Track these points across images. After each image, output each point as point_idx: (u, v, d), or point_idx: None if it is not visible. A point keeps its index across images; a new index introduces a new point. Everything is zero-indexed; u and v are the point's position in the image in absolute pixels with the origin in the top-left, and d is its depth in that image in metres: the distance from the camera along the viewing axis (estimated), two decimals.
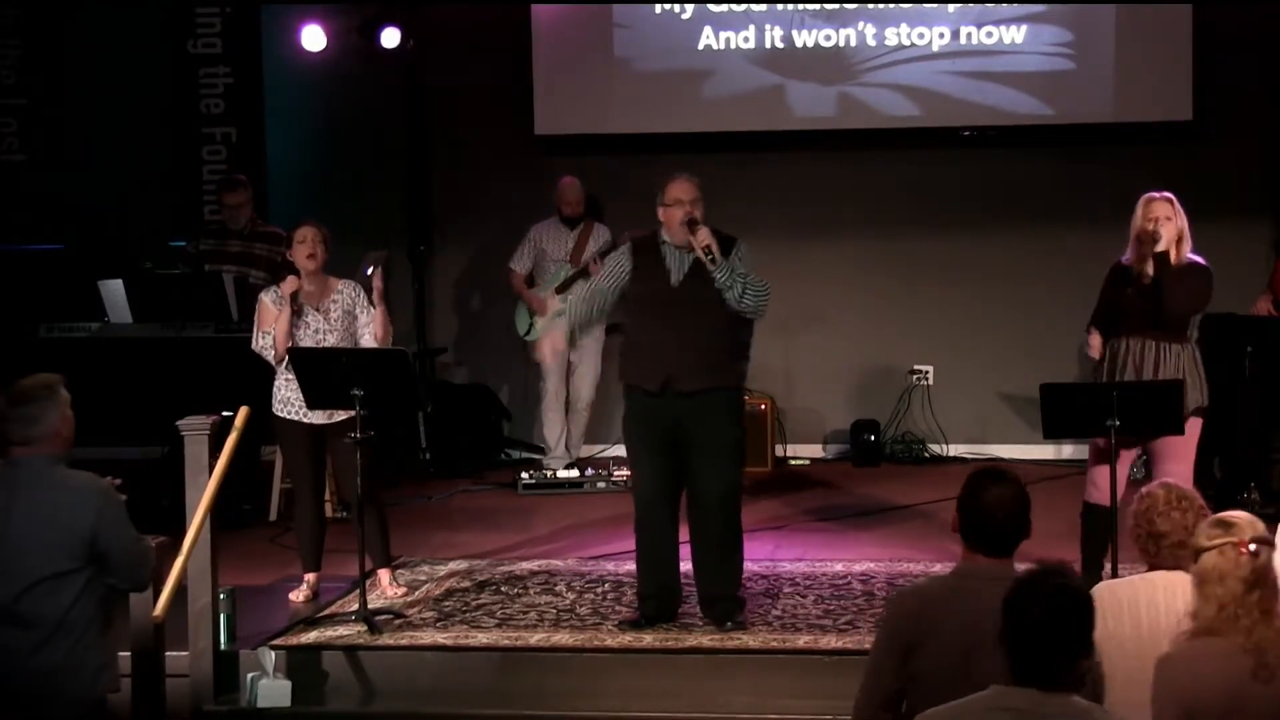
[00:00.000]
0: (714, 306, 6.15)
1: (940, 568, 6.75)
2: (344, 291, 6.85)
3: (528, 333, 9.45)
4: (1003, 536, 4.00)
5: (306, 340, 6.72)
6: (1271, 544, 3.85)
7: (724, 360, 6.23)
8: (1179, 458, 6.31)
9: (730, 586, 6.29)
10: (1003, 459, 9.67)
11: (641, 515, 6.34)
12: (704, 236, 6.11)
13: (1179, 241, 6.34)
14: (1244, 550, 3.78)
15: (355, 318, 6.82)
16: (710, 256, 6.09)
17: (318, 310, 6.78)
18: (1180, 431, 6.23)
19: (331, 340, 6.75)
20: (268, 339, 6.70)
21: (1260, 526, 3.88)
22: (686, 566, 6.45)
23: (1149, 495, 4.33)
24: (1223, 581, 3.78)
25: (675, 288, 6.22)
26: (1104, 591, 4.16)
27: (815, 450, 10.11)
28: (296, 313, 6.71)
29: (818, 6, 9.83)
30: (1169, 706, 3.74)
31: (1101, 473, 6.32)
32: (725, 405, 6.23)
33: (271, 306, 6.74)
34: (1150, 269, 6.28)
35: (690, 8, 9.90)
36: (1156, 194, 6.40)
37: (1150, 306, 6.28)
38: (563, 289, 9.28)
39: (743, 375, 6.36)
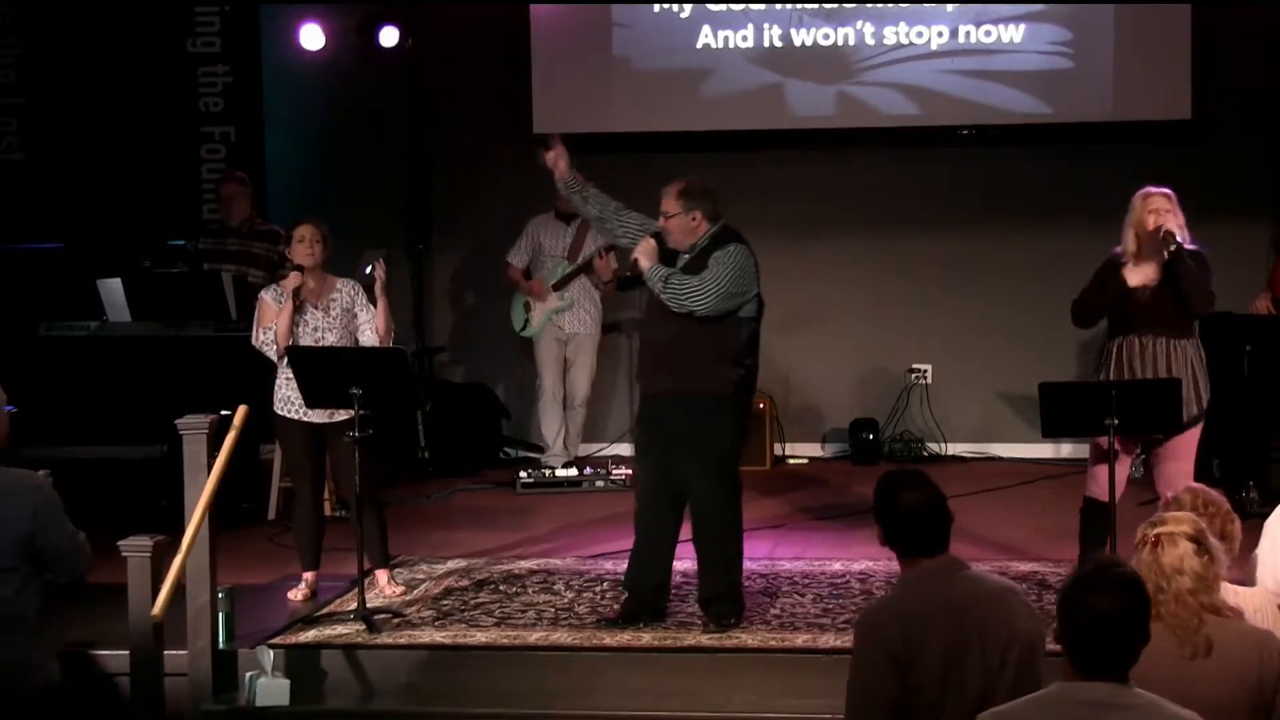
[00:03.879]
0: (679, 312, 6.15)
1: None
2: (343, 290, 6.84)
3: (523, 328, 9.44)
4: (936, 534, 4.03)
5: (306, 338, 6.72)
6: (1192, 537, 3.92)
7: (698, 364, 6.10)
8: (1181, 456, 6.31)
9: (708, 590, 6.24)
10: (1001, 458, 9.72)
11: (636, 514, 6.37)
12: (637, 250, 6.23)
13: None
14: (1144, 543, 3.93)
15: (354, 315, 6.82)
16: (635, 273, 6.24)
17: (316, 307, 6.78)
18: (1180, 430, 6.25)
19: (331, 338, 6.75)
20: (269, 334, 6.69)
21: (1179, 521, 3.97)
22: (685, 566, 6.48)
23: (1176, 500, 4.37)
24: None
25: (652, 291, 6.25)
26: None
27: (814, 449, 10.11)
28: (297, 309, 6.71)
29: (816, 5, 9.82)
30: None
31: (1104, 470, 6.30)
32: (700, 411, 6.10)
33: (272, 304, 6.74)
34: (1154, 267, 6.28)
35: (689, 7, 9.90)
36: (1154, 189, 6.38)
37: (1167, 304, 6.27)
38: (560, 285, 9.28)
39: (728, 381, 6.14)
